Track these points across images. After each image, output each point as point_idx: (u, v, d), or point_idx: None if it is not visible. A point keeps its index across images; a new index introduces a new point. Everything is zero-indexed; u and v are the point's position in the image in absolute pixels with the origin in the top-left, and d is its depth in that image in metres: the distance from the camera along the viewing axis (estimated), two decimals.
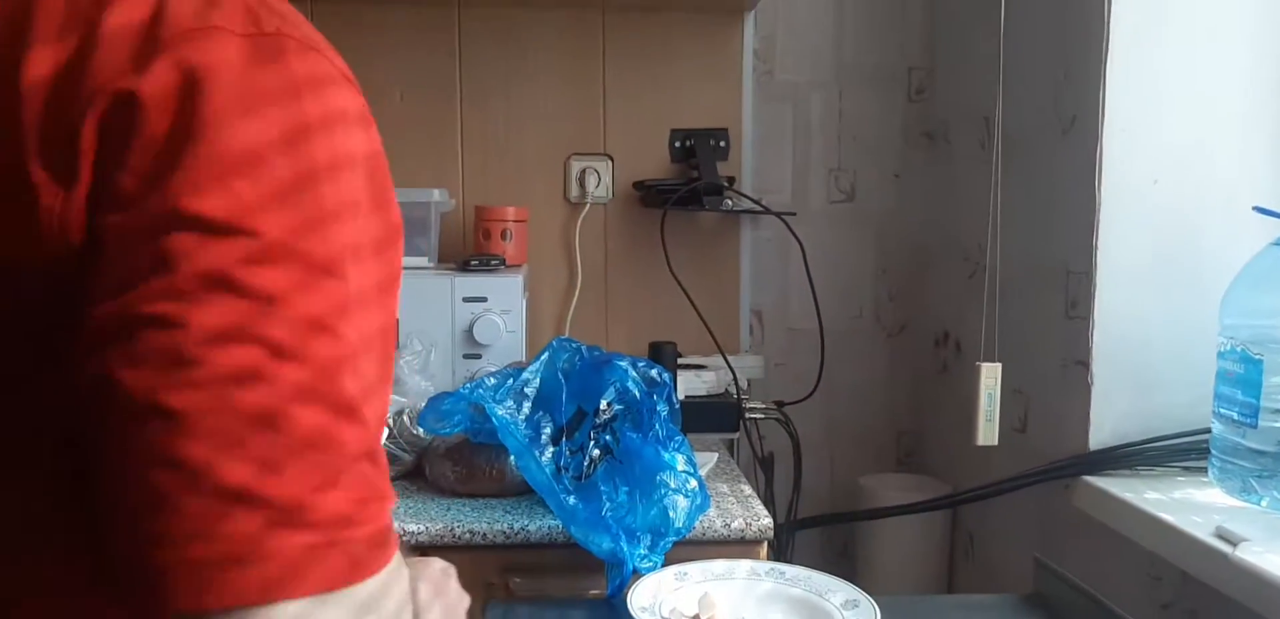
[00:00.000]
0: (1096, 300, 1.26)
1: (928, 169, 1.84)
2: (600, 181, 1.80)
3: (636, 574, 1.09)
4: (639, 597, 1.02)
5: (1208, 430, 1.16)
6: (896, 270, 1.88)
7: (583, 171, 1.79)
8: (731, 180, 1.74)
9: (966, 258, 1.67)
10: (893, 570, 1.69)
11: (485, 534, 1.17)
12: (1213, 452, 1.14)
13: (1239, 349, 1.10)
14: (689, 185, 1.70)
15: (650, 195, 1.75)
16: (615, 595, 1.09)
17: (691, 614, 1.00)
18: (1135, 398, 1.27)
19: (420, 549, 1.19)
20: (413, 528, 1.17)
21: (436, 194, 1.61)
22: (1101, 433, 1.27)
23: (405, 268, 0.48)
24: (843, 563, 1.83)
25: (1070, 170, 1.32)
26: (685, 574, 1.09)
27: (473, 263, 1.57)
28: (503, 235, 1.67)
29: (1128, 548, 1.17)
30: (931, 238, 1.83)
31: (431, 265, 1.60)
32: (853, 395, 1.87)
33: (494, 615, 1.06)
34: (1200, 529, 1.04)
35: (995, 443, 1.31)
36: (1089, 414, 1.27)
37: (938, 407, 1.81)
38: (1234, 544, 0.98)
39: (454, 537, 1.17)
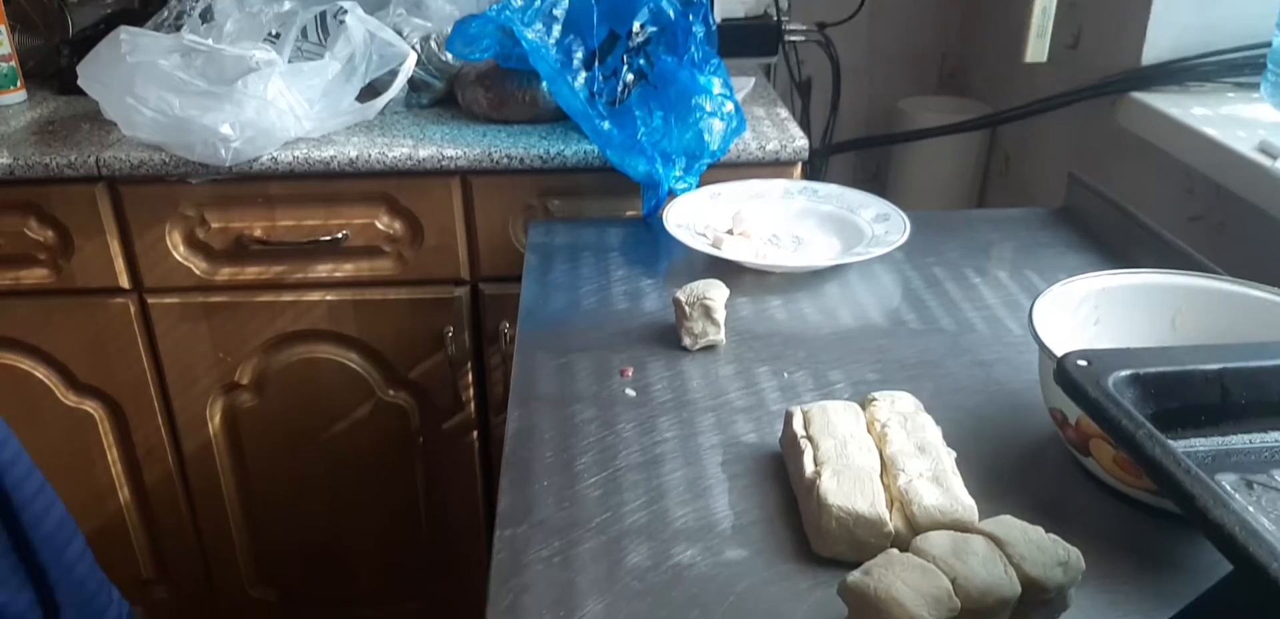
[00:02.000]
0: None
1: None
2: None
3: (672, 195, 1.14)
4: (675, 214, 1.08)
5: (1267, 44, 1.13)
6: None
7: None
8: None
9: None
10: (924, 192, 1.74)
11: (522, 159, 1.22)
12: (1269, 65, 1.12)
13: None
14: None
15: None
16: (651, 215, 1.15)
17: (725, 230, 1.06)
18: (1197, 10, 1.23)
19: (461, 172, 1.24)
20: (451, 153, 1.21)
21: None
22: (1156, 48, 1.25)
23: None
24: (874, 186, 1.88)
25: None
26: (719, 194, 1.14)
27: None
28: None
29: (1165, 164, 1.19)
30: None
31: None
32: (898, 15, 1.83)
33: (536, 233, 1.13)
34: (1243, 143, 1.05)
35: (1044, 59, 1.29)
36: (1146, 28, 1.24)
37: (987, 26, 1.77)
38: (1275, 157, 1.00)
39: (492, 161, 1.22)
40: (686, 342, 0.85)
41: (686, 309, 0.84)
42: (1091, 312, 0.75)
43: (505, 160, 1.22)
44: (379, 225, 1.26)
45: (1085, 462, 0.66)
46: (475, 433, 1.38)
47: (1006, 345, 0.85)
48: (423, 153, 1.21)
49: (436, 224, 1.26)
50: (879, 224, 1.07)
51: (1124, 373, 0.45)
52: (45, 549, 0.77)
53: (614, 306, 0.94)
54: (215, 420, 1.39)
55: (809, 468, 0.62)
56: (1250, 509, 0.40)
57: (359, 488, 1.42)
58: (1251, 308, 0.72)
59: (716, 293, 0.85)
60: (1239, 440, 0.45)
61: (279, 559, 1.50)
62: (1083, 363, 0.46)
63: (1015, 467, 0.69)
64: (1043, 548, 0.52)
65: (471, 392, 1.35)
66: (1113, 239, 1.06)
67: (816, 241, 1.08)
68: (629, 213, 1.26)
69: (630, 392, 0.79)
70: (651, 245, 1.10)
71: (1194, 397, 0.46)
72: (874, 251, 0.98)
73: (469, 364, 1.34)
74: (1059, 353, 0.67)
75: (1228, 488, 0.39)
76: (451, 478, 1.41)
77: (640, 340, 0.87)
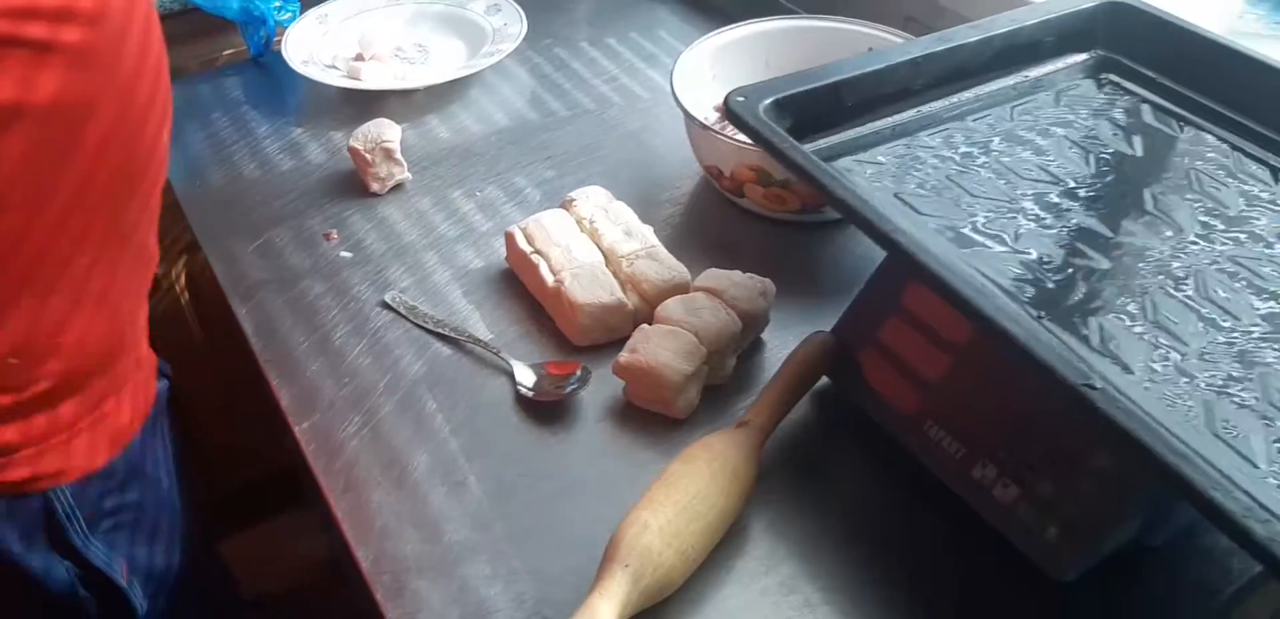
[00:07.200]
0: None
1: None
2: None
3: (280, 28, 1.13)
4: (296, 51, 1.08)
5: None
6: None
7: None
8: None
9: None
10: None
11: None
12: None
13: None
14: None
15: None
16: (263, 54, 1.13)
17: (353, 55, 1.10)
18: None
19: None
20: None
21: None
22: None
23: None
24: None
25: None
26: (326, 16, 1.16)
27: None
28: None
29: None
30: None
31: None
32: None
33: None
34: None
35: None
36: None
37: None
38: None
39: None
40: (375, 187, 0.92)
41: (367, 156, 0.90)
42: (709, 69, 0.95)
43: None
44: None
45: (740, 202, 0.87)
46: None
47: (641, 111, 1.04)
48: None
49: None
50: (493, 16, 1.17)
51: (769, 100, 0.65)
52: None
53: (278, 168, 0.96)
54: None
55: (549, 279, 0.76)
56: (861, 182, 0.63)
57: None
58: (825, 37, 0.96)
59: (391, 132, 0.91)
60: (848, 133, 0.68)
61: None
62: (741, 98, 0.65)
63: (687, 219, 0.89)
64: (746, 286, 0.73)
65: None
66: None
67: (441, 46, 1.16)
68: (226, 51, 1.22)
69: (345, 253, 0.85)
70: (277, 88, 1.10)
71: (817, 106, 0.67)
72: (505, 48, 1.09)
73: None
74: (697, 116, 0.86)
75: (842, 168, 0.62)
76: None
77: (325, 197, 0.92)
